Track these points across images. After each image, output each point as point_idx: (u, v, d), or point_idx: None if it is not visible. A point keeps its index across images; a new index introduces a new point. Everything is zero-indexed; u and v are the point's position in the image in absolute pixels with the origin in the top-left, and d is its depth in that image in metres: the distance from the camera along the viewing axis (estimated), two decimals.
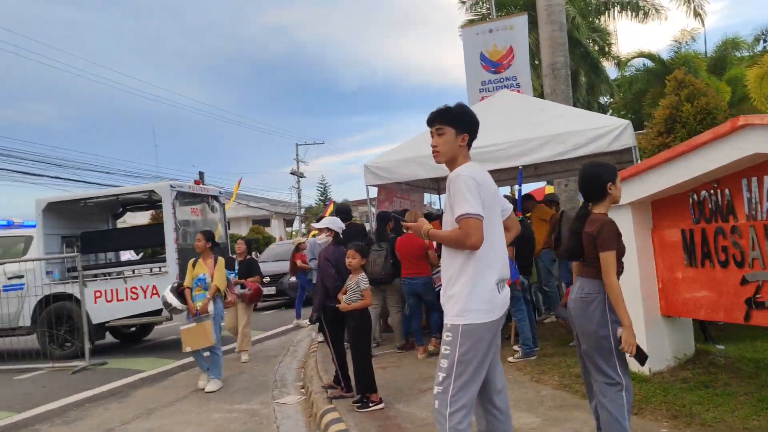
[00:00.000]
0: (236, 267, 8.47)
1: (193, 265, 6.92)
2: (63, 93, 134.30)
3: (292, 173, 44.93)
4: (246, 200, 47.28)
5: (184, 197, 9.84)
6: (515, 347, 6.68)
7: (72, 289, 9.09)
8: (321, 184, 57.80)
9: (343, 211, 7.65)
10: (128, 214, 12.69)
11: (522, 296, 6.30)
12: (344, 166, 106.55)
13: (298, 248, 11.98)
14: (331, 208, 30.77)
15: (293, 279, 12.76)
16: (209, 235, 7.09)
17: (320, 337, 8.66)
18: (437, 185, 11.53)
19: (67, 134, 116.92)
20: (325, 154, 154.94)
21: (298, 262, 11.69)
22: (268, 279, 15.40)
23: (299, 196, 45.52)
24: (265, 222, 49.42)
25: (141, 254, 16.50)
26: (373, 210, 8.93)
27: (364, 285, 5.16)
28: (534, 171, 10.91)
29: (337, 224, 5.69)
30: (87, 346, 8.49)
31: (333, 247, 5.57)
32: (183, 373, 7.97)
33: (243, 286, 8.30)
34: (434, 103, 3.10)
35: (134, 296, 9.09)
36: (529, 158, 7.39)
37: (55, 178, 24.86)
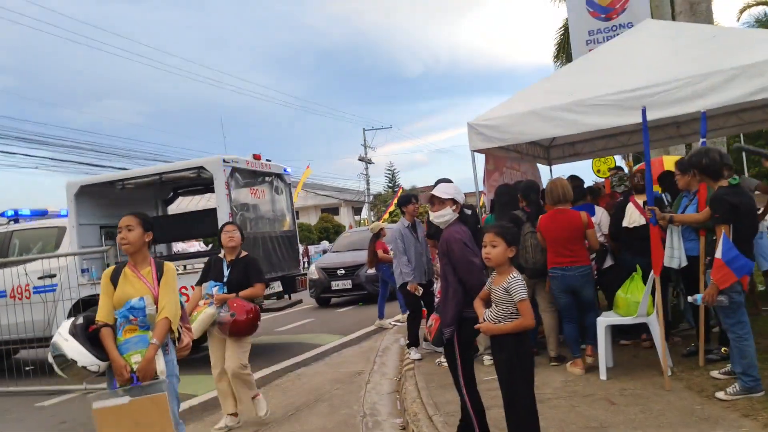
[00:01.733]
0: (225, 273, 5.07)
1: (113, 280, 3.47)
2: (139, 89, 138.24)
3: (360, 159, 43.34)
4: (314, 189, 46.33)
5: (242, 175, 8.03)
6: (715, 374, 4.54)
7: None
8: (389, 170, 56.30)
9: None
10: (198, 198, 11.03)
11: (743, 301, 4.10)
12: (411, 154, 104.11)
13: (378, 235, 10.08)
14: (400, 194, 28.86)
15: (371, 271, 10.98)
16: (147, 221, 3.60)
17: (414, 353, 6.69)
18: (547, 154, 9.31)
19: (139, 127, 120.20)
20: (392, 140, 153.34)
21: (379, 252, 9.83)
22: (342, 272, 13.73)
23: (368, 183, 43.86)
24: (334, 210, 48.45)
25: (210, 245, 14.60)
26: (482, 185, 6.82)
27: (519, 295, 3.08)
28: (676, 131, 8.54)
29: (461, 195, 3.60)
30: None
31: (462, 227, 3.53)
32: None
33: (226, 306, 4.88)
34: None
35: (185, 298, 7.31)
36: (713, 100, 5.20)
37: (121, 169, 24.10)
